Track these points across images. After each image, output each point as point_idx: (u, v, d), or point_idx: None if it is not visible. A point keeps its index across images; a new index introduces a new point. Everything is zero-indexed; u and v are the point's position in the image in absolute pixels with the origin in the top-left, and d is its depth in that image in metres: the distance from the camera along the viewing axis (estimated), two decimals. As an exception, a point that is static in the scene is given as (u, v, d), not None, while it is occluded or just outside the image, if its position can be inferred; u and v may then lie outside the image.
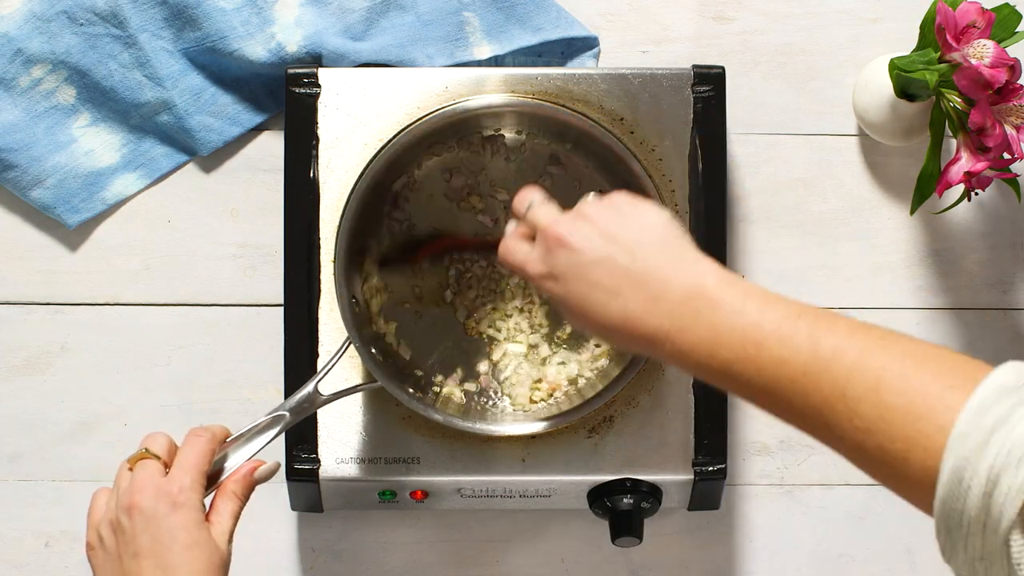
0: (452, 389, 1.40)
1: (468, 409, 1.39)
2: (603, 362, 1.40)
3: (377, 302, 1.39)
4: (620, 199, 1.13)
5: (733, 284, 1.05)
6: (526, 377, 1.40)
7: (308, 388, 1.27)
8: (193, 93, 1.46)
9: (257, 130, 1.49)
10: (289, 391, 1.34)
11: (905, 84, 1.39)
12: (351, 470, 1.37)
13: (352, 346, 1.31)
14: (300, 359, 1.37)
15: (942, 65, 1.37)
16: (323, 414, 1.37)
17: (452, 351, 1.41)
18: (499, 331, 1.41)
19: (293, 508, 1.44)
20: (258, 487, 1.20)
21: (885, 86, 1.43)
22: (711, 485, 1.39)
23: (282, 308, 1.39)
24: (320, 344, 1.37)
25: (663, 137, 1.39)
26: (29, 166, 1.45)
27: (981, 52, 1.35)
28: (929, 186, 1.42)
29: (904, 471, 0.94)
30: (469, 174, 1.41)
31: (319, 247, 1.38)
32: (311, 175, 1.38)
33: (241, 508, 1.18)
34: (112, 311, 1.48)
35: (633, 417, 1.38)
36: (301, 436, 1.37)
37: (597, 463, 1.38)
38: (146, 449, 1.17)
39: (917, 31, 1.42)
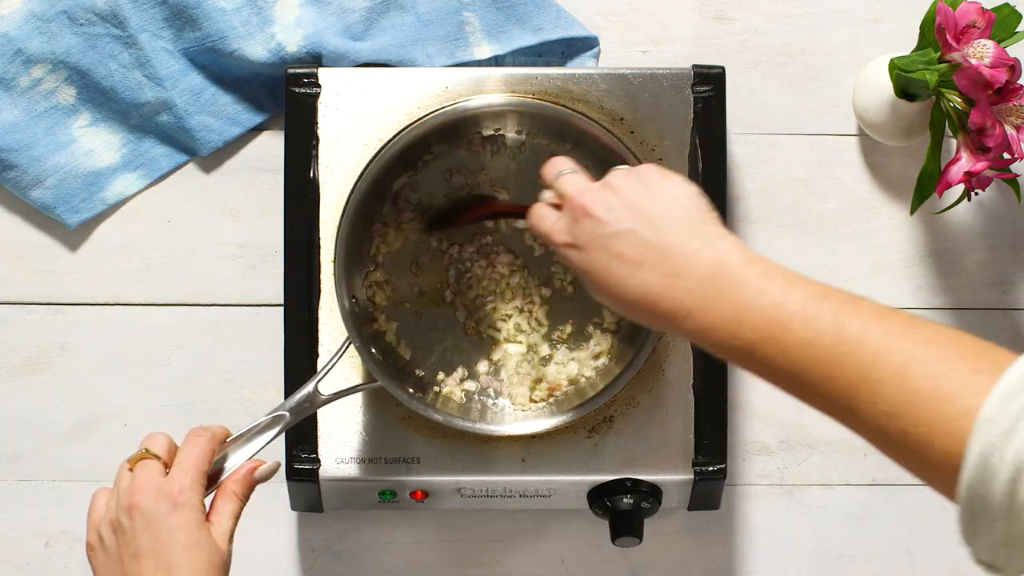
0: (452, 389, 1.40)
1: (468, 409, 1.39)
2: (603, 361, 1.40)
3: (381, 297, 1.39)
4: (649, 171, 1.12)
5: (757, 263, 1.04)
6: (526, 377, 1.40)
7: (308, 388, 1.27)
8: (193, 93, 1.46)
9: (257, 130, 1.49)
10: (289, 391, 1.34)
11: (905, 84, 1.39)
12: (351, 470, 1.37)
13: (352, 346, 1.31)
14: (300, 359, 1.37)
15: (942, 65, 1.37)
16: (323, 414, 1.37)
17: (452, 351, 1.40)
18: (499, 331, 1.41)
19: (293, 508, 1.44)
20: (258, 487, 1.20)
21: (885, 86, 1.43)
22: (711, 485, 1.39)
23: (282, 308, 1.39)
24: (320, 344, 1.37)
25: (663, 137, 1.39)
26: (29, 166, 1.45)
27: (981, 52, 1.35)
28: (929, 186, 1.42)
29: (927, 455, 0.94)
30: (469, 174, 1.41)
31: (319, 247, 1.38)
32: (311, 175, 1.38)
33: (241, 508, 1.18)
34: (112, 311, 1.48)
35: (633, 417, 1.38)
36: (301, 436, 1.37)
37: (597, 463, 1.38)
38: (146, 449, 1.17)
39: (917, 31, 1.42)
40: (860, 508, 1.49)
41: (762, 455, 1.49)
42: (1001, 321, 1.50)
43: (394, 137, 1.37)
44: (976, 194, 1.43)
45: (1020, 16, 1.40)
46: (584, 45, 1.48)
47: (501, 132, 1.40)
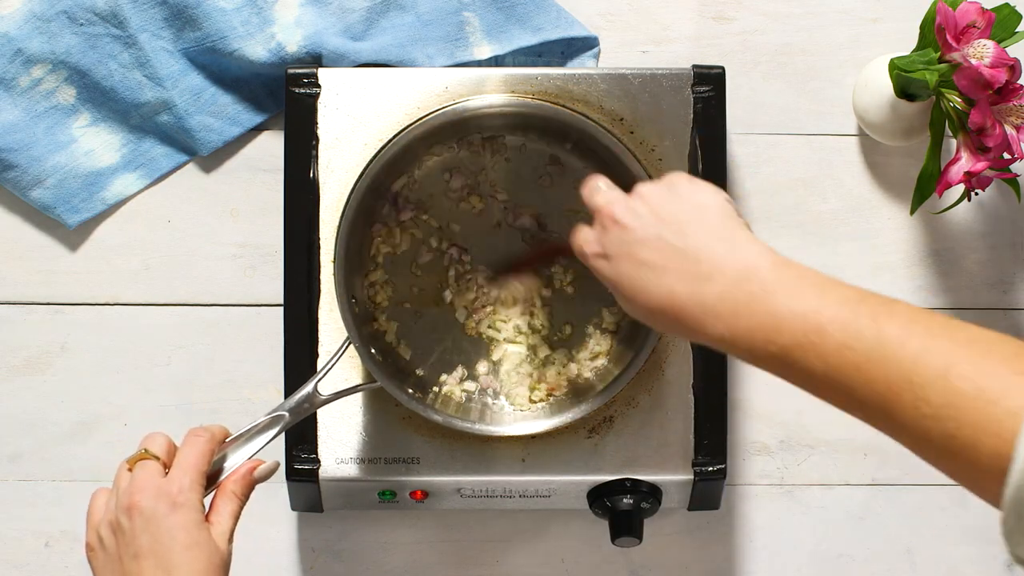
0: (452, 389, 1.40)
1: (468, 409, 1.39)
2: (602, 362, 1.40)
3: (381, 297, 1.39)
4: (678, 178, 1.11)
5: (788, 266, 1.03)
6: (525, 377, 1.40)
7: (308, 388, 1.27)
8: (193, 93, 1.46)
9: (257, 130, 1.49)
10: (289, 391, 1.34)
11: (905, 84, 1.39)
12: (351, 470, 1.37)
13: (352, 346, 1.31)
14: (300, 359, 1.37)
15: (942, 65, 1.37)
16: (323, 414, 1.37)
17: (452, 351, 1.40)
18: (499, 331, 1.41)
19: (293, 508, 1.44)
20: (258, 487, 1.20)
21: (885, 86, 1.43)
22: (711, 485, 1.39)
23: (282, 308, 1.39)
24: (320, 344, 1.37)
25: (663, 137, 1.38)
26: (29, 166, 1.45)
27: (981, 52, 1.35)
28: (929, 186, 1.42)
29: (973, 457, 0.93)
30: (469, 174, 1.41)
31: (319, 247, 1.38)
32: (311, 175, 1.38)
33: (241, 508, 1.18)
34: (112, 311, 1.48)
35: (633, 417, 1.38)
36: (301, 436, 1.37)
37: (597, 463, 1.38)
38: (145, 449, 1.17)
39: (917, 31, 1.42)
40: (860, 508, 1.49)
41: (762, 455, 1.49)
42: (1001, 321, 1.50)
43: (394, 137, 1.37)
44: (976, 194, 1.43)
45: (1020, 16, 1.40)
46: (584, 45, 1.48)
47: (502, 132, 1.40)
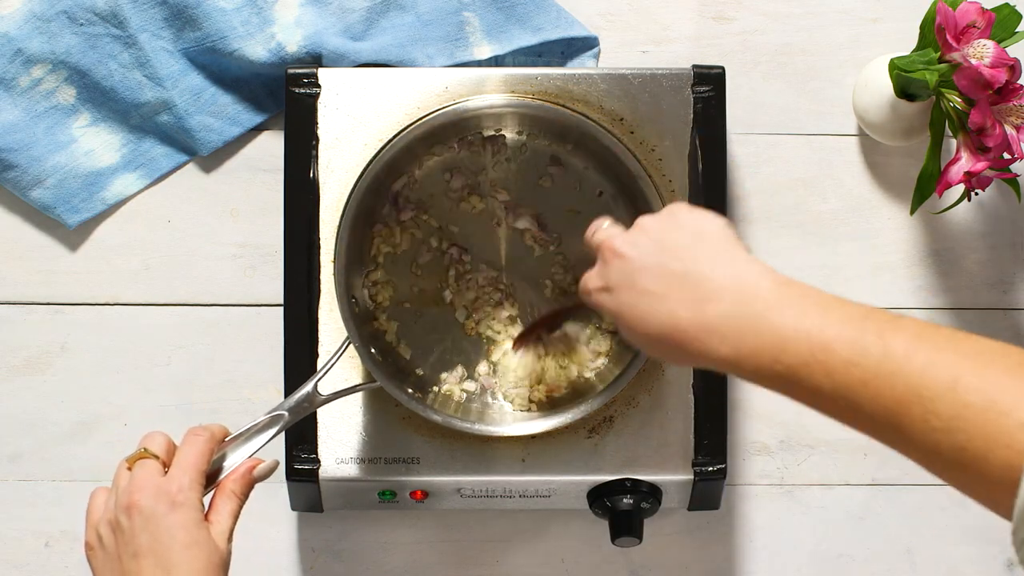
0: (452, 389, 1.40)
1: (468, 409, 1.39)
2: (602, 362, 1.40)
3: (381, 297, 1.39)
4: (677, 208, 1.11)
5: (791, 285, 1.03)
6: (525, 378, 1.40)
7: (307, 387, 1.27)
8: (193, 93, 1.46)
9: (257, 130, 1.49)
10: (289, 391, 1.34)
11: (905, 84, 1.39)
12: (351, 470, 1.37)
13: (352, 346, 1.31)
14: (300, 359, 1.37)
15: (942, 65, 1.37)
16: (323, 414, 1.37)
17: (452, 351, 1.41)
18: (498, 332, 1.41)
19: (293, 508, 1.44)
20: (258, 487, 1.20)
21: (885, 86, 1.43)
22: (711, 485, 1.39)
23: (282, 308, 1.39)
24: (320, 344, 1.37)
25: (663, 137, 1.38)
26: (29, 166, 1.45)
27: (981, 52, 1.35)
28: (929, 186, 1.42)
29: (984, 470, 0.93)
30: (469, 174, 1.41)
31: (319, 247, 1.38)
32: (311, 175, 1.38)
33: (240, 507, 1.18)
34: (112, 311, 1.48)
35: (633, 417, 1.38)
36: (301, 436, 1.37)
37: (597, 463, 1.38)
38: (145, 448, 1.17)
39: (917, 31, 1.42)
40: (860, 508, 1.49)
41: (762, 455, 1.49)
42: (1001, 321, 1.50)
43: (394, 137, 1.37)
44: (976, 194, 1.43)
45: (1020, 16, 1.40)
46: (584, 45, 1.48)
47: (502, 133, 1.40)
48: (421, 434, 1.37)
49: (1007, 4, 1.40)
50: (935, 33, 1.37)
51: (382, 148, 1.37)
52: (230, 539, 1.16)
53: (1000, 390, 0.93)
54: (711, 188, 1.38)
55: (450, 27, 1.46)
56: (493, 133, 1.40)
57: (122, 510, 1.13)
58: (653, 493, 1.38)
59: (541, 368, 1.40)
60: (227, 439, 1.21)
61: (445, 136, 1.39)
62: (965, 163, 1.38)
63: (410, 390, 1.35)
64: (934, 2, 1.38)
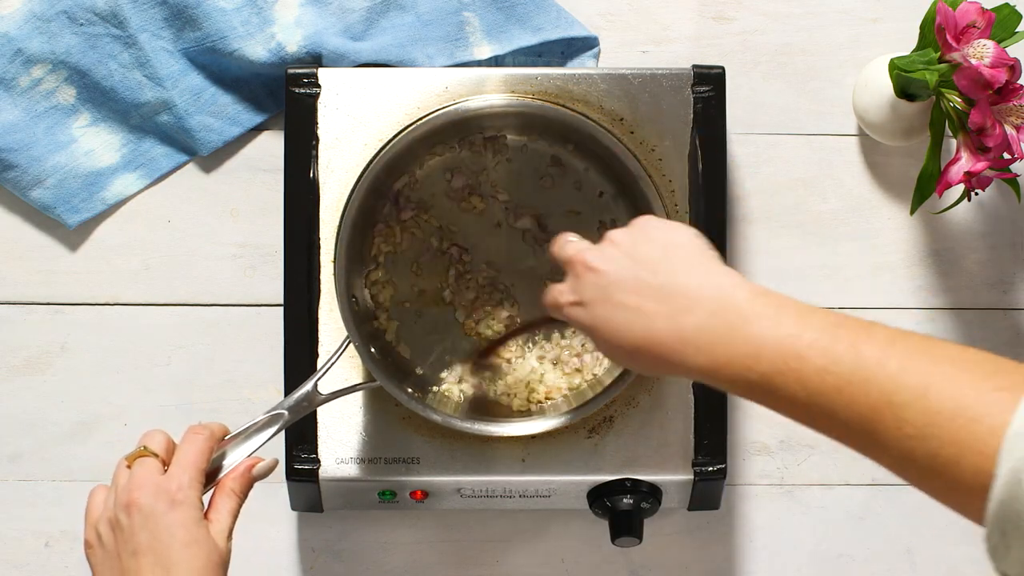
0: (451, 388, 1.40)
1: (468, 409, 1.39)
2: (603, 363, 1.40)
3: (381, 296, 1.40)
4: (647, 222, 1.12)
5: (765, 295, 1.04)
6: (525, 378, 1.40)
7: (307, 386, 1.27)
8: (193, 93, 1.46)
9: (257, 130, 1.49)
10: (289, 391, 1.34)
11: (905, 84, 1.39)
12: (351, 470, 1.37)
13: (352, 345, 1.31)
14: (300, 359, 1.37)
15: (942, 65, 1.37)
16: (323, 414, 1.37)
17: (452, 351, 1.40)
18: (498, 332, 1.41)
19: (293, 508, 1.44)
20: (257, 486, 1.20)
21: (885, 86, 1.43)
22: (711, 485, 1.39)
23: (282, 308, 1.39)
24: (320, 344, 1.37)
25: (663, 137, 1.38)
26: (29, 166, 1.46)
27: (981, 52, 1.35)
28: (929, 186, 1.42)
29: (955, 476, 0.93)
30: (470, 174, 1.41)
31: (319, 247, 1.38)
32: (311, 175, 1.38)
33: (240, 505, 1.18)
34: (112, 311, 1.48)
35: (633, 417, 1.38)
36: (301, 436, 1.37)
37: (597, 463, 1.38)
38: (144, 447, 1.17)
39: (917, 31, 1.42)
40: (860, 508, 1.49)
41: (762, 455, 1.49)
42: (1001, 321, 1.50)
43: (394, 137, 1.37)
44: (976, 194, 1.43)
45: (1020, 16, 1.40)
46: (584, 45, 1.48)
47: (503, 133, 1.40)
48: (421, 434, 1.37)
49: (1007, 4, 1.40)
50: (935, 33, 1.37)
51: (382, 148, 1.37)
52: (230, 537, 1.16)
53: (971, 396, 0.93)
54: (711, 188, 1.38)
55: (450, 27, 1.46)
56: (494, 134, 1.40)
57: (121, 508, 1.13)
58: (653, 493, 1.38)
59: (541, 369, 1.40)
60: (227, 438, 1.21)
61: (446, 136, 1.39)
62: (965, 163, 1.38)
63: (410, 390, 1.35)
64: (934, 2, 1.39)
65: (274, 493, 1.44)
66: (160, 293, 1.48)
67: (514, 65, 1.47)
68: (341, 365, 1.33)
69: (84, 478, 1.47)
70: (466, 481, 1.38)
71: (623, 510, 1.38)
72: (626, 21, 1.50)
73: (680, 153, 1.39)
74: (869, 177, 1.50)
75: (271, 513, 1.47)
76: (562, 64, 1.48)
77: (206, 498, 1.17)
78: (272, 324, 1.46)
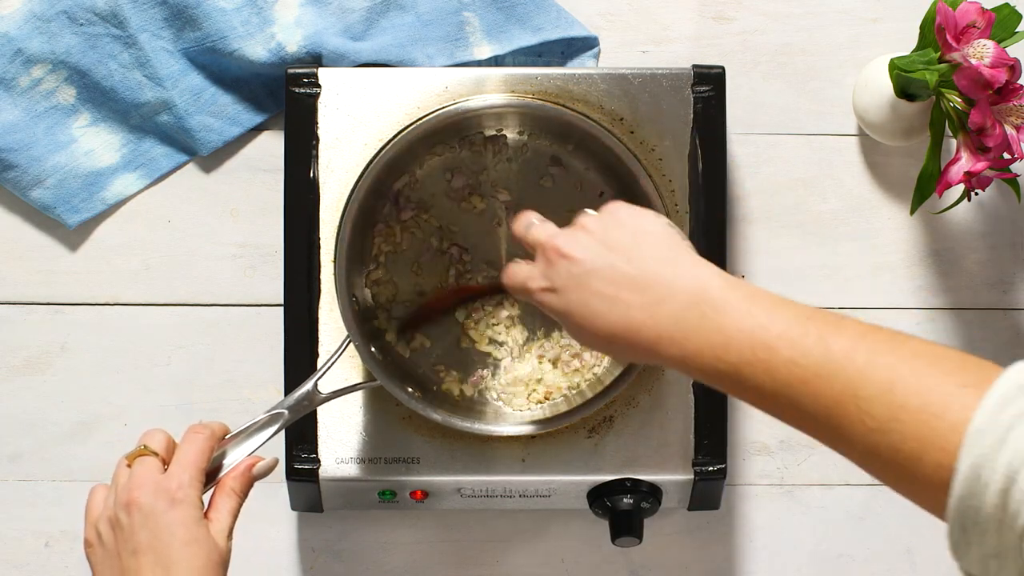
0: (451, 388, 1.40)
1: (468, 409, 1.39)
2: (603, 363, 1.40)
3: (382, 296, 1.40)
4: (618, 208, 1.12)
5: (738, 287, 1.05)
6: (525, 378, 1.40)
7: (307, 386, 1.27)
8: (193, 93, 1.46)
9: (257, 130, 1.49)
10: (289, 391, 1.34)
11: (905, 84, 1.39)
12: (351, 470, 1.37)
13: (352, 345, 1.31)
14: (300, 359, 1.37)
15: (942, 65, 1.37)
16: (323, 414, 1.37)
17: (452, 351, 1.40)
18: (498, 332, 1.41)
19: (293, 508, 1.44)
20: (257, 486, 1.20)
21: (885, 86, 1.43)
22: (711, 485, 1.39)
23: (282, 308, 1.39)
24: (320, 344, 1.37)
25: (663, 137, 1.39)
26: (29, 166, 1.46)
27: (981, 52, 1.35)
28: (929, 186, 1.42)
29: (917, 470, 0.94)
30: (470, 174, 1.41)
31: (319, 247, 1.38)
32: (311, 175, 1.38)
33: (240, 505, 1.18)
34: (112, 311, 1.48)
35: (633, 417, 1.38)
36: (301, 436, 1.37)
37: (597, 463, 1.38)
38: (144, 446, 1.17)
39: (917, 31, 1.42)
40: (860, 508, 1.49)
41: (762, 455, 1.49)
42: (1001, 321, 1.50)
43: (394, 137, 1.37)
44: (976, 194, 1.43)
45: (1020, 16, 1.40)
46: (584, 45, 1.48)
47: (503, 132, 1.40)
48: (421, 434, 1.37)
49: (1007, 4, 1.40)
50: (935, 33, 1.37)
51: (382, 148, 1.37)
52: (230, 537, 1.16)
53: (935, 392, 0.94)
54: (711, 188, 1.39)
55: (450, 27, 1.46)
56: (494, 133, 1.40)
57: (121, 507, 1.13)
58: (653, 493, 1.38)
59: (540, 369, 1.40)
60: (227, 437, 1.21)
61: (446, 136, 1.39)
62: (965, 163, 1.38)
63: (410, 389, 1.35)
64: (934, 2, 1.39)
65: (274, 493, 1.44)
66: (160, 293, 1.48)
67: (514, 65, 1.47)
68: (341, 365, 1.33)
69: (84, 478, 1.47)
70: (466, 481, 1.38)
71: (623, 510, 1.38)
72: (626, 21, 1.50)
73: (680, 153, 1.39)
74: (869, 177, 1.50)
75: (271, 513, 1.47)
76: (562, 64, 1.48)
77: (206, 498, 1.17)
78: (272, 324, 1.46)
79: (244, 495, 1.19)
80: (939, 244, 1.50)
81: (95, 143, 1.47)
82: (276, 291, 1.44)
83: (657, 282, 1.06)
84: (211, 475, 1.18)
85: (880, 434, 0.95)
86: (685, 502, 1.42)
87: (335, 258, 1.36)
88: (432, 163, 1.41)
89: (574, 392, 1.39)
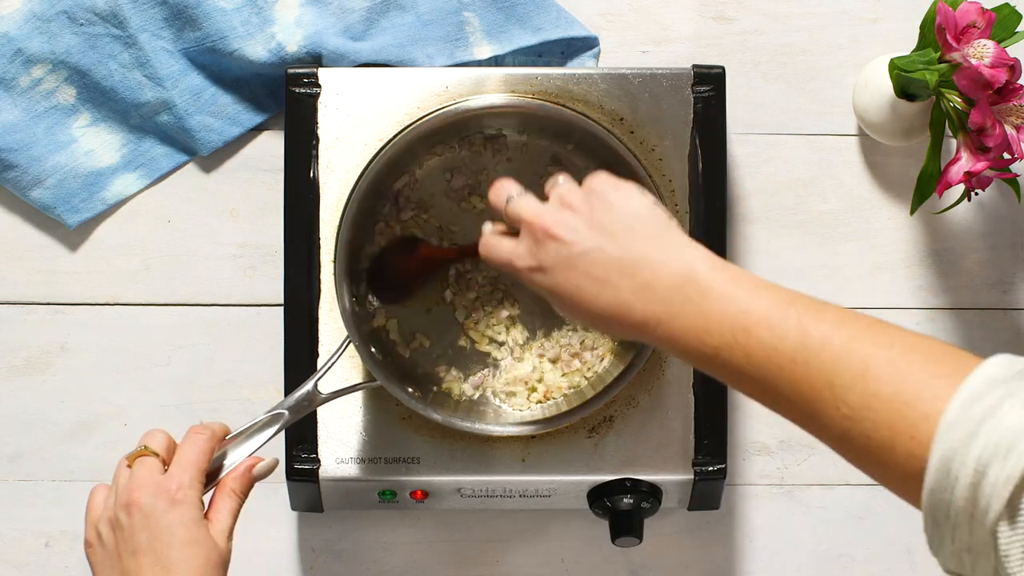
0: (451, 388, 1.40)
1: (468, 409, 1.39)
2: (603, 363, 1.40)
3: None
4: (601, 183, 1.11)
5: (724, 269, 1.05)
6: (525, 378, 1.40)
7: (308, 386, 1.27)
8: (193, 93, 1.46)
9: (257, 130, 1.49)
10: (289, 391, 1.34)
11: (905, 84, 1.39)
12: (351, 470, 1.37)
13: (352, 345, 1.31)
14: (300, 359, 1.37)
15: (942, 65, 1.37)
16: (323, 414, 1.37)
17: (452, 351, 1.40)
18: (499, 332, 1.41)
19: (293, 508, 1.44)
20: (258, 486, 1.20)
21: (885, 86, 1.43)
22: (711, 485, 1.39)
23: (282, 308, 1.39)
24: (320, 344, 1.37)
25: (663, 137, 1.39)
26: (29, 166, 1.46)
27: (981, 52, 1.35)
28: (929, 186, 1.42)
29: (889, 459, 0.94)
30: (470, 174, 1.41)
31: (319, 247, 1.38)
32: (311, 175, 1.38)
33: (240, 505, 1.18)
34: (112, 311, 1.48)
35: (633, 417, 1.38)
36: (301, 436, 1.37)
37: (597, 463, 1.38)
38: (145, 446, 1.17)
39: (917, 31, 1.42)
40: (860, 508, 1.49)
41: (762, 455, 1.49)
42: (1001, 321, 1.50)
43: (394, 137, 1.37)
44: (976, 194, 1.43)
45: (1020, 16, 1.40)
46: (584, 45, 1.48)
47: (503, 132, 1.40)
48: (421, 434, 1.37)
49: (1007, 4, 1.40)
50: (935, 33, 1.37)
51: (382, 148, 1.37)
52: (230, 537, 1.16)
53: (908, 382, 0.94)
54: (711, 188, 1.39)
55: (450, 27, 1.46)
56: (494, 133, 1.40)
57: (122, 507, 1.13)
58: (653, 493, 1.38)
59: (540, 369, 1.40)
60: (227, 437, 1.21)
61: (446, 136, 1.39)
62: (965, 163, 1.38)
63: (410, 389, 1.35)
64: (934, 2, 1.39)
65: (274, 493, 1.44)
66: (160, 293, 1.48)
67: (514, 65, 1.47)
68: (342, 365, 1.33)
69: (84, 478, 1.47)
70: (466, 481, 1.38)
71: (623, 510, 1.38)
72: (626, 21, 1.50)
73: (680, 153, 1.39)
74: (869, 177, 1.50)
75: (271, 513, 1.47)
76: (562, 64, 1.48)
77: (206, 498, 1.17)
78: (272, 324, 1.46)
79: (244, 496, 1.19)
80: (939, 244, 1.50)
81: (95, 143, 1.47)
82: (276, 291, 1.44)
83: (646, 265, 1.06)
84: (211, 476, 1.18)
85: (852, 421, 0.95)
86: (685, 502, 1.42)
87: (335, 258, 1.36)
88: (432, 163, 1.41)
89: (574, 392, 1.39)
